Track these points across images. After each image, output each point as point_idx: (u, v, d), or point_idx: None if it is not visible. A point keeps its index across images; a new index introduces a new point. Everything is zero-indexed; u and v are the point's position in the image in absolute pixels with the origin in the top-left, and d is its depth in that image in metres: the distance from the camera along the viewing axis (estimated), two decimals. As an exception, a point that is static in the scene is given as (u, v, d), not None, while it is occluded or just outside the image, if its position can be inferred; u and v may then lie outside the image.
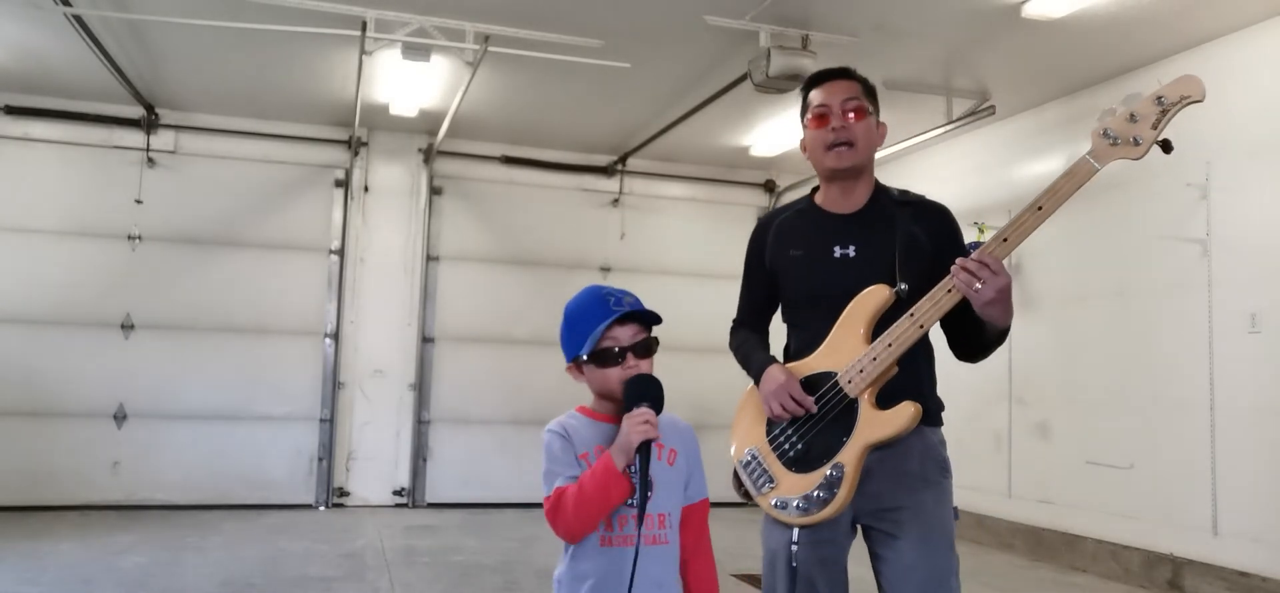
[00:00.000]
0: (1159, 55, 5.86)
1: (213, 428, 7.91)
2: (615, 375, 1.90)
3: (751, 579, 5.74)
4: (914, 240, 2.33)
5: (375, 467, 8.31)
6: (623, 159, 8.85)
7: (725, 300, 9.75)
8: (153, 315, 7.85)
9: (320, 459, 8.14)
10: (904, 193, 2.47)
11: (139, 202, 7.87)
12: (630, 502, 1.85)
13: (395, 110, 7.58)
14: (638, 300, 1.96)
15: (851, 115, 2.37)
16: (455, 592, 5.29)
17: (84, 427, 7.64)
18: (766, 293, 2.56)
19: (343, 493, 8.19)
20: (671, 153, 8.75)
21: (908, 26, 5.58)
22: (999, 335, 2.24)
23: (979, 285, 2.08)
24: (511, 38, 5.82)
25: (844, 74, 2.46)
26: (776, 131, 7.92)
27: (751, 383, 2.46)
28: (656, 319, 1.97)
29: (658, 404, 1.87)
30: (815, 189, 2.53)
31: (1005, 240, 2.11)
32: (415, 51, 5.91)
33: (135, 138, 7.88)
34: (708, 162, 9.12)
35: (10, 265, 7.56)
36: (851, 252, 2.36)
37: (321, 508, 8.05)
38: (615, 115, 7.77)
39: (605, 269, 8.92)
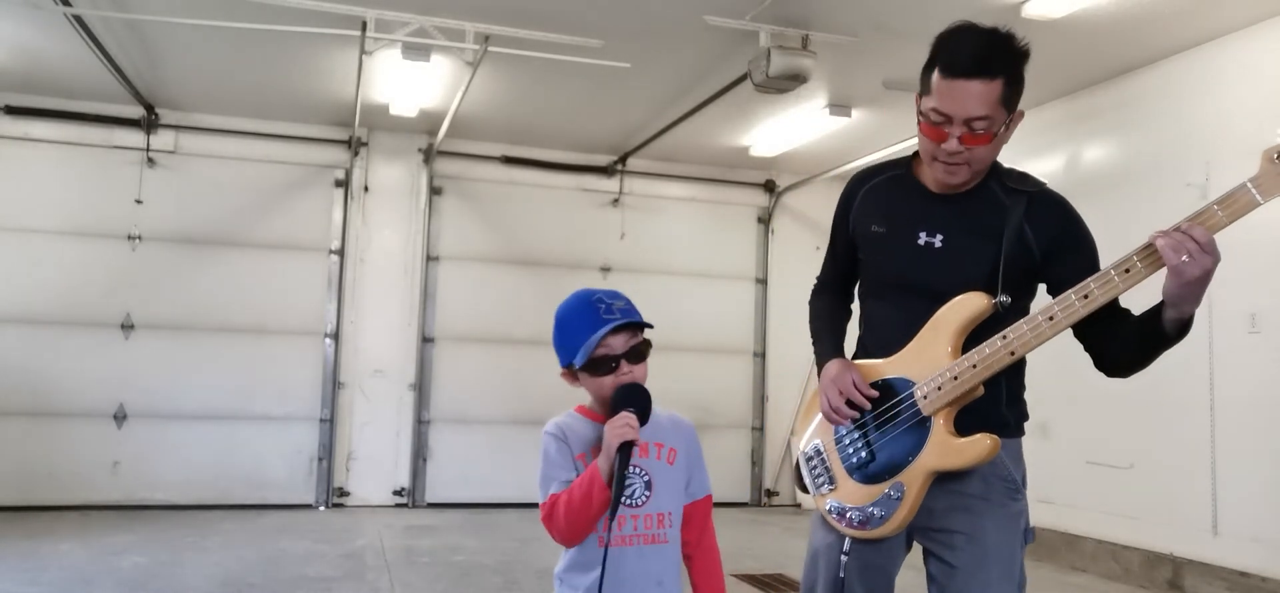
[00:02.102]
0: (1159, 55, 5.87)
1: (213, 428, 7.91)
2: (609, 383, 1.91)
3: (753, 579, 5.74)
4: (1021, 240, 2.00)
5: (375, 467, 8.30)
6: (623, 159, 8.85)
7: (726, 301, 9.69)
8: (153, 315, 7.85)
9: (320, 459, 8.14)
10: (1022, 177, 2.08)
11: (139, 202, 7.87)
12: (627, 502, 1.89)
13: (395, 110, 7.57)
14: (629, 305, 1.95)
15: (975, 141, 1.94)
16: (455, 592, 5.29)
17: (84, 427, 7.64)
18: (848, 261, 2.28)
19: (343, 493, 8.18)
20: (671, 153, 8.75)
21: (908, 26, 5.57)
22: (1180, 329, 1.88)
23: (1186, 258, 1.74)
24: (511, 38, 5.82)
25: (983, 71, 1.90)
26: (776, 131, 7.91)
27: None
28: (647, 324, 1.96)
29: (644, 413, 1.87)
30: (918, 153, 2.17)
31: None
32: (415, 51, 5.90)
33: (135, 138, 7.88)
34: (708, 162, 9.12)
35: (10, 265, 7.55)
36: (938, 241, 2.05)
37: (321, 508, 8.05)
38: (615, 115, 7.77)
39: (605, 269, 8.92)
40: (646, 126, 7.93)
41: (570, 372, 1.96)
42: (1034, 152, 6.86)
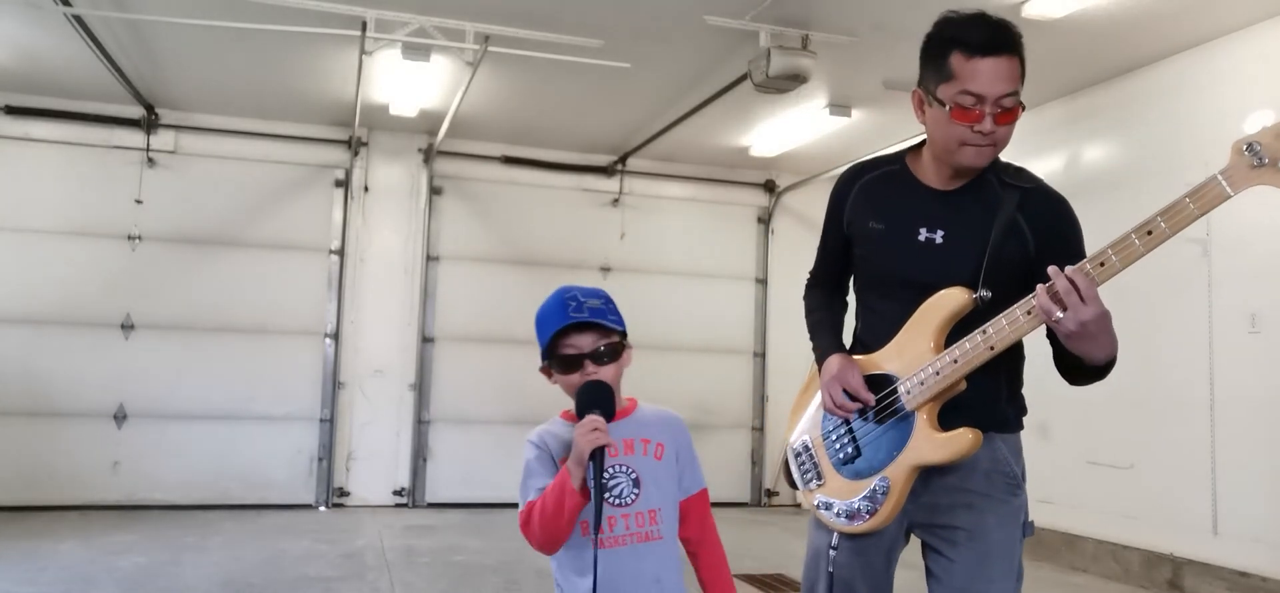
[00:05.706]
0: (1159, 55, 5.87)
1: (213, 428, 7.91)
2: (576, 381, 1.88)
3: (753, 579, 5.74)
4: (1013, 234, 1.97)
5: (375, 467, 8.30)
6: (623, 159, 8.85)
7: (726, 301, 9.71)
8: (153, 315, 7.85)
9: (320, 459, 8.14)
10: (1019, 172, 2.05)
11: (139, 202, 7.87)
12: (616, 502, 1.85)
13: (395, 110, 7.57)
14: (603, 306, 1.91)
15: (1005, 118, 1.92)
16: (455, 592, 5.29)
17: (84, 427, 7.64)
18: (842, 257, 2.23)
19: (343, 493, 8.18)
20: (671, 153, 8.75)
21: (908, 26, 5.56)
22: (1095, 370, 1.91)
23: (1060, 315, 1.75)
24: (511, 38, 5.82)
25: (1007, 47, 1.92)
26: (776, 131, 7.91)
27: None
28: (619, 326, 1.92)
29: (608, 410, 1.83)
30: (915, 147, 2.13)
31: (1102, 265, 1.77)
32: (415, 51, 5.91)
33: (135, 138, 7.88)
34: (708, 162, 9.12)
35: (10, 265, 7.55)
36: (939, 237, 2.01)
37: (321, 508, 8.05)
38: (615, 115, 7.77)
39: (605, 269, 8.92)
40: (646, 126, 7.93)
41: (547, 369, 1.95)
42: (1034, 151, 6.86)
